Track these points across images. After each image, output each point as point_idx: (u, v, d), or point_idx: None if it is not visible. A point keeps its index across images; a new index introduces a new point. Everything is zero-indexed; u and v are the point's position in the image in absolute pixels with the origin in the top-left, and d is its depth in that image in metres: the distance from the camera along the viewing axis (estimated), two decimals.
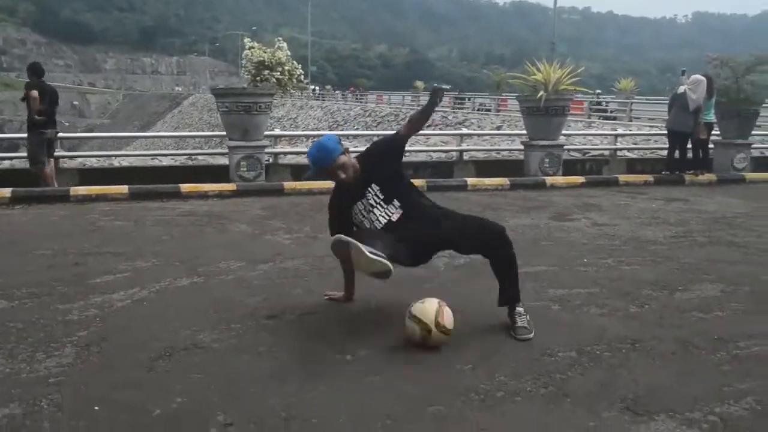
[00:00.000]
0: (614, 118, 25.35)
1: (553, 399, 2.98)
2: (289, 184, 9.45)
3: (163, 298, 4.32)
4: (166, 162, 11.59)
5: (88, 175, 10.01)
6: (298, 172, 10.71)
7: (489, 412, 2.84)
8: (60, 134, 10.07)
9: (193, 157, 12.11)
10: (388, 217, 3.73)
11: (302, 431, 2.66)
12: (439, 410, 2.83)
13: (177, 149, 19.66)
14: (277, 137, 11.27)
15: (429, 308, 3.44)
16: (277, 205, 8.23)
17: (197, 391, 2.98)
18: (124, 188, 8.70)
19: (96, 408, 2.84)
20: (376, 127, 36.39)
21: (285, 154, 11.28)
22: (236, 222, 7.08)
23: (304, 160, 11.77)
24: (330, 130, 34.99)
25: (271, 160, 10.92)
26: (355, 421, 2.73)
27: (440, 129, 28.30)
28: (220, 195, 8.93)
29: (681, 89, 10.80)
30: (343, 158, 3.71)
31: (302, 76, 30.16)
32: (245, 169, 9.82)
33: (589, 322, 3.97)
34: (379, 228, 3.71)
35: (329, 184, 9.06)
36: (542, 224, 7.13)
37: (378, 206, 3.75)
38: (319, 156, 3.73)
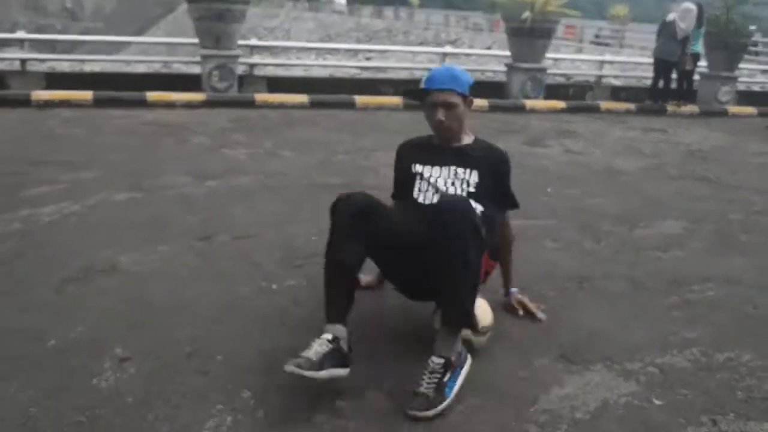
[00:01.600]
0: (606, 45, 24.64)
1: (490, 342, 2.77)
2: (260, 96, 9.05)
3: (95, 213, 4.06)
4: (140, 69, 11.10)
5: (56, 80, 9.52)
6: (274, 84, 10.26)
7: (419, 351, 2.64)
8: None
9: (168, 64, 11.61)
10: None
11: (203, 368, 2.45)
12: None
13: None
14: (253, 47, 10.74)
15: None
16: (244, 118, 7.88)
17: (102, 320, 2.76)
18: (88, 94, 8.29)
19: None
20: (368, 41, 35.36)
21: (262, 65, 10.77)
22: (197, 134, 6.75)
23: (281, 72, 11.34)
24: (321, 43, 34.05)
25: (247, 72, 10.44)
26: (263, 357, 2.53)
27: (431, 46, 27.52)
28: (189, 105, 8.56)
29: (670, 17, 10.31)
30: (458, 101, 2.71)
31: None
32: (217, 79, 9.36)
33: (540, 256, 3.76)
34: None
35: (302, 98, 8.84)
36: (514, 150, 6.78)
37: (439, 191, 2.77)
38: (441, 77, 2.70)
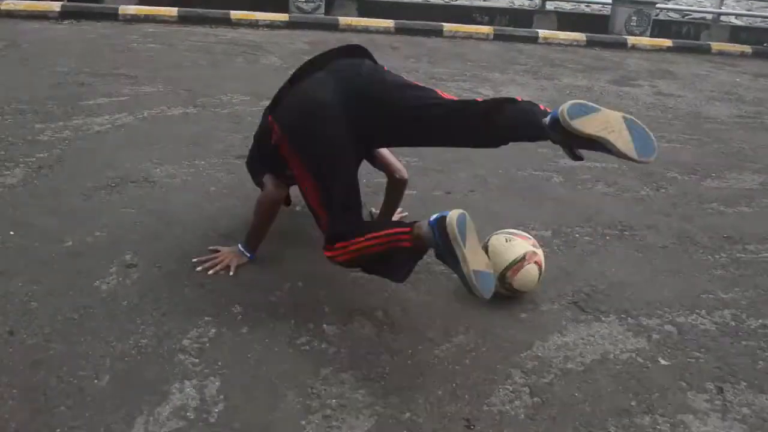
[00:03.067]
0: None
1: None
2: (345, 20, 8.91)
3: (145, 126, 4.14)
4: None
5: None
6: (365, 7, 10.07)
7: (430, 279, 2.56)
8: None
9: None
10: None
11: (201, 281, 2.47)
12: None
13: None
14: None
15: (505, 252, 2.48)
16: (323, 41, 7.78)
17: (120, 228, 2.83)
18: (173, 10, 8.41)
19: (11, 233, 2.72)
20: None
21: None
22: (270, 54, 6.74)
23: None
24: None
25: None
26: (265, 275, 2.52)
27: None
28: (271, 25, 8.54)
29: None
30: None
31: None
32: None
33: (587, 199, 3.54)
34: None
35: (387, 23, 8.63)
36: (597, 87, 6.44)
37: None
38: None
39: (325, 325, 2.28)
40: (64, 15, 8.02)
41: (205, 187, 3.28)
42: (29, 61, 5.63)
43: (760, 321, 2.55)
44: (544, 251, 2.75)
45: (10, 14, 7.89)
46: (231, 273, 2.53)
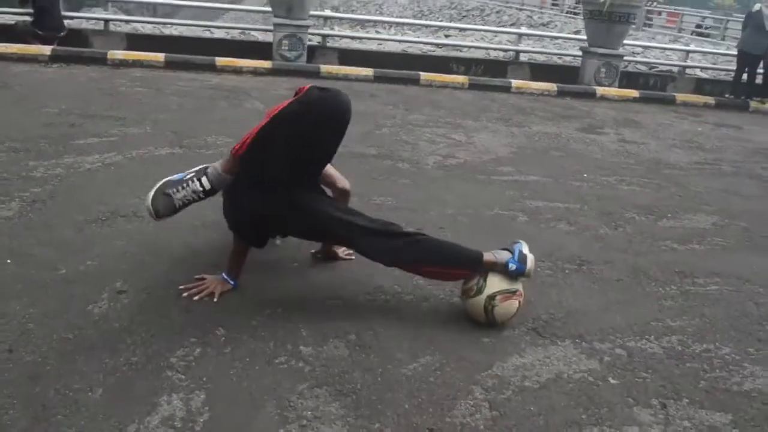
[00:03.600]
0: (707, 36, 23.51)
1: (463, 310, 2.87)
2: (326, 68, 9.24)
3: (133, 165, 4.35)
4: (218, 34, 11.51)
5: (135, 41, 10.02)
6: (346, 56, 10.47)
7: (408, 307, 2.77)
8: None
9: (246, 31, 11.96)
10: None
11: (189, 306, 2.65)
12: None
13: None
14: (326, 18, 10.94)
15: (506, 279, 2.75)
16: None
17: (111, 258, 3.01)
18: (160, 56, 8.70)
19: (8, 261, 2.89)
20: (459, 20, 35.02)
21: (334, 36, 10.95)
22: (253, 99, 7.01)
23: (355, 44, 11.50)
24: (414, 19, 34.00)
25: (320, 43, 10.66)
26: (249, 301, 2.71)
27: (524, 27, 27.02)
28: (255, 72, 8.84)
29: (757, 7, 9.84)
30: None
31: None
32: (287, 48, 9.64)
33: (549, 237, 3.79)
34: None
35: (367, 72, 8.97)
36: (565, 134, 6.77)
37: None
38: None
39: (301, 346, 2.47)
40: (54, 59, 8.28)
41: (191, 222, 3.47)
42: (21, 102, 5.84)
43: (704, 346, 2.77)
44: None
45: (1, 57, 8.12)
46: (215, 299, 2.72)
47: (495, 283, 2.70)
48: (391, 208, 3.97)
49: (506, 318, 2.74)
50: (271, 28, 9.98)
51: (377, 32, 13.71)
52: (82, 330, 2.44)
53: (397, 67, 9.79)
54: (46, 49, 8.36)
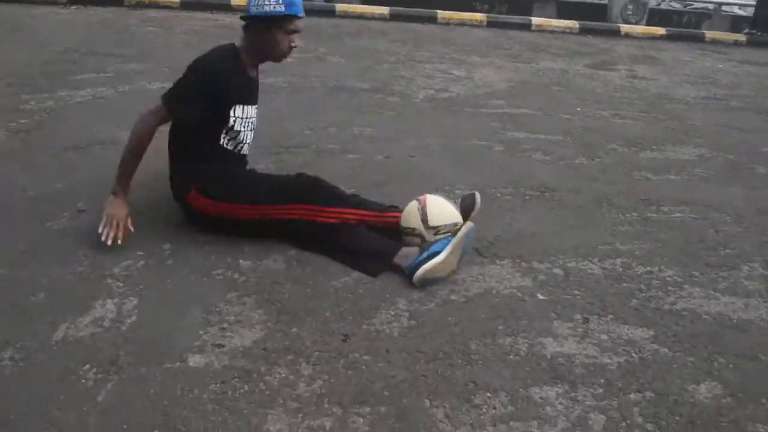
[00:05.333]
0: None
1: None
2: (342, 6, 9.19)
3: (124, 98, 4.48)
4: None
5: None
6: None
7: None
8: None
9: None
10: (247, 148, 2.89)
11: (141, 223, 2.78)
12: None
13: None
14: None
15: (409, 211, 2.74)
16: (317, 26, 8.07)
17: (79, 183, 3.15)
18: None
19: None
20: None
21: None
22: None
23: None
24: None
25: None
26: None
27: None
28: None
29: None
30: None
31: None
32: None
33: (520, 166, 3.80)
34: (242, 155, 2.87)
35: (382, 10, 8.88)
36: (573, 70, 6.65)
37: (252, 130, 2.87)
38: (300, 2, 2.68)
39: (241, 260, 2.59)
40: (73, 1, 8.42)
41: (163, 147, 3.58)
42: (30, 41, 6.01)
43: (647, 268, 2.80)
44: None
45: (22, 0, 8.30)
46: (132, 229, 2.63)
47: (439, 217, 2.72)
48: (367, 138, 4.03)
49: (440, 218, 2.68)
50: None
51: None
52: (38, 244, 2.60)
53: (420, 6, 9.64)
54: None
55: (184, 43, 6.38)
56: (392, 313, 2.34)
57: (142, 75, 5.03)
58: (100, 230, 2.58)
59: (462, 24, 9.07)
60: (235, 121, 2.70)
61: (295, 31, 2.70)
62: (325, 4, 9.38)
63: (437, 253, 2.51)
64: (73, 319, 2.17)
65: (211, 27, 7.45)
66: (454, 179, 3.48)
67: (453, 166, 3.68)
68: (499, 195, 3.36)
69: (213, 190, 2.68)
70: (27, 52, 5.55)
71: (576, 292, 2.57)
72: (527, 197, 3.39)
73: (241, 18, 2.72)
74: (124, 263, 2.51)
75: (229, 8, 8.75)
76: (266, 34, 2.67)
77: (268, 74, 5.29)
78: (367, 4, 9.64)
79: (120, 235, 2.58)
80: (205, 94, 2.60)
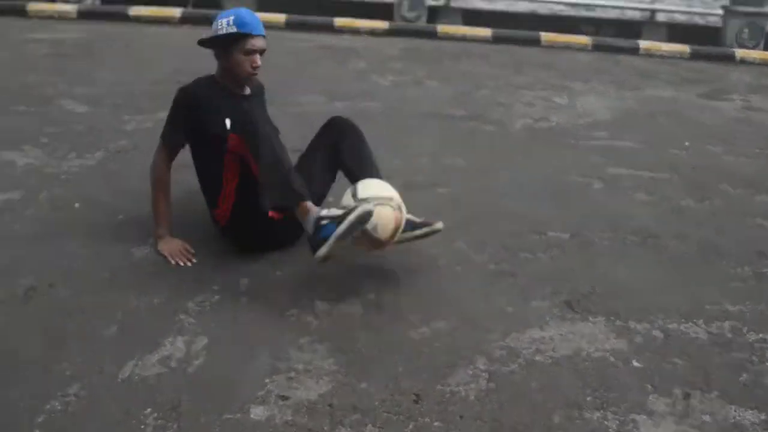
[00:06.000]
0: None
1: (499, 276, 2.78)
2: (443, 28, 9.08)
3: None
4: None
5: (265, 4, 10.26)
6: (470, 17, 10.24)
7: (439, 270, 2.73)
8: None
9: None
10: None
11: (222, 256, 2.74)
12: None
13: None
14: None
15: (373, 183, 2.59)
16: (417, 48, 8.01)
17: None
18: (281, 17, 8.91)
19: (77, 205, 3.14)
20: None
21: None
22: (360, 59, 7.04)
23: (480, 4, 11.19)
24: None
25: (443, 3, 10.47)
26: (283, 259, 2.76)
27: None
28: (372, 32, 8.84)
29: None
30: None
31: None
32: (407, 8, 9.59)
33: (621, 207, 3.55)
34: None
35: (485, 32, 8.71)
36: (682, 100, 6.26)
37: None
38: (257, 22, 2.71)
39: (317, 301, 2.50)
40: (184, 20, 8.72)
41: None
42: (139, 61, 6.23)
43: (760, 335, 2.51)
44: (551, 251, 2.87)
45: (137, 19, 8.68)
46: (189, 264, 2.69)
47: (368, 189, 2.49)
48: (458, 170, 3.88)
49: (386, 231, 2.44)
50: None
51: None
52: (120, 271, 2.61)
53: (525, 29, 9.40)
54: (176, 12, 8.82)
55: (282, 65, 6.44)
56: (470, 372, 2.17)
57: None
58: (173, 263, 2.63)
59: (566, 47, 8.76)
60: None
61: (253, 51, 2.68)
62: (427, 25, 9.31)
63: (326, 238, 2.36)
64: (141, 356, 2.13)
65: (309, 48, 7.51)
66: (548, 220, 3.28)
67: (547, 204, 3.48)
68: (596, 240, 3.13)
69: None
70: (135, 72, 5.75)
71: (677, 360, 2.32)
72: (627, 243, 3.14)
73: (199, 43, 2.77)
74: (199, 297, 2.47)
75: (331, 29, 8.81)
76: (226, 57, 2.71)
77: (363, 99, 5.26)
78: (470, 26, 9.50)
79: (190, 258, 2.69)
80: (189, 118, 2.68)
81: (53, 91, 4.99)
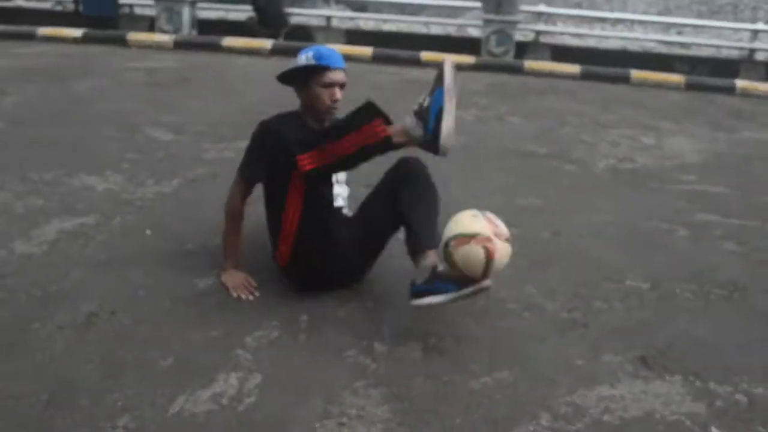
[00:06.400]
0: None
1: (570, 326, 2.63)
2: (530, 64, 8.97)
3: None
4: (434, 30, 11.60)
5: (354, 37, 10.42)
6: (559, 53, 10.10)
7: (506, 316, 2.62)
8: None
9: (462, 27, 11.90)
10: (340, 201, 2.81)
11: (283, 293, 2.72)
12: None
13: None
14: (540, 14, 10.57)
15: (463, 223, 2.37)
16: (502, 83, 7.93)
17: None
18: (368, 51, 9.04)
19: (148, 232, 3.20)
20: (709, 17, 32.03)
21: (547, 32, 10.52)
22: None
23: (570, 40, 11.04)
24: (659, 15, 31.77)
25: (533, 39, 10.38)
26: (347, 297, 2.72)
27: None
28: (459, 66, 8.75)
29: None
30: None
31: None
32: (494, 43, 9.56)
33: (707, 257, 3.33)
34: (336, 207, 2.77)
35: (573, 69, 8.52)
36: None
37: (339, 182, 2.82)
38: (337, 55, 2.73)
39: (376, 343, 2.42)
40: (274, 52, 8.95)
41: None
42: (227, 91, 6.42)
43: None
44: (628, 301, 2.70)
45: (230, 50, 9.00)
46: (251, 297, 2.68)
47: (449, 229, 2.36)
48: (533, 210, 3.76)
49: (476, 269, 2.28)
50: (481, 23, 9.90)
51: (602, 29, 12.95)
52: (182, 301, 2.62)
53: (616, 65, 9.15)
54: (267, 43, 9.08)
55: (364, 98, 6.47)
56: (532, 429, 2.04)
57: None
58: (235, 296, 2.61)
59: (658, 85, 8.47)
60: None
61: (332, 84, 2.66)
62: (514, 61, 9.21)
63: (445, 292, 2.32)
64: (193, 390, 2.11)
65: (397, 81, 7.54)
66: (626, 267, 3.11)
67: (627, 250, 3.30)
68: (677, 291, 2.94)
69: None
70: (221, 101, 5.91)
71: (761, 429, 2.11)
72: (711, 297, 2.93)
73: (277, 78, 2.78)
74: (258, 332, 2.44)
75: (418, 63, 8.82)
76: (305, 91, 2.71)
77: None
78: (558, 62, 9.32)
79: (252, 292, 2.66)
80: (267, 152, 2.65)
81: (142, 118, 5.17)
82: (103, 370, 2.18)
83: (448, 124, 2.35)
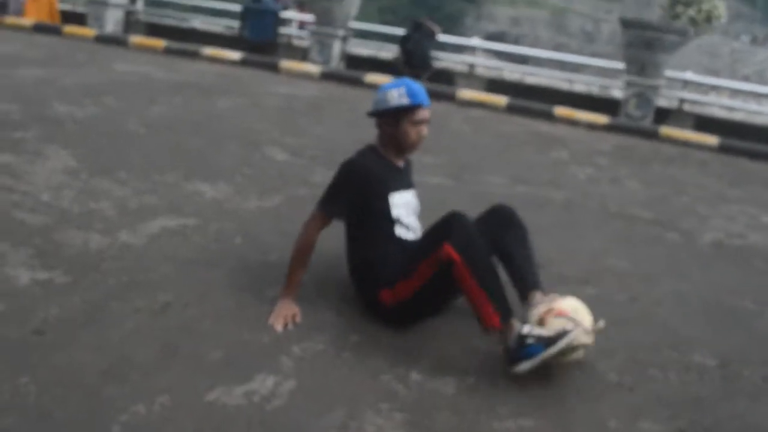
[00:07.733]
0: None
1: (614, 388, 2.57)
2: (665, 130, 8.67)
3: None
4: (574, 87, 11.52)
5: (494, 85, 10.50)
6: (703, 123, 9.70)
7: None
8: None
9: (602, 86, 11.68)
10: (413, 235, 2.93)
11: (340, 311, 2.86)
12: None
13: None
14: (686, 82, 10.21)
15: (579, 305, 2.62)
16: (631, 147, 7.75)
17: (317, 254, 3.33)
18: (502, 100, 9.12)
19: (237, 240, 3.45)
20: None
21: (688, 101, 10.11)
22: (563, 148, 6.97)
23: (716, 111, 10.57)
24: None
25: (676, 106, 10.05)
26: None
27: None
28: (591, 126, 8.71)
29: None
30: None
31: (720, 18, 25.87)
32: (633, 106, 9.36)
33: None
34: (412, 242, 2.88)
35: (711, 140, 8.16)
36: None
37: (413, 215, 3.00)
38: (423, 92, 2.85)
39: (414, 372, 2.50)
40: None
41: None
42: (354, 122, 6.68)
43: None
44: (692, 378, 2.63)
45: (372, 86, 9.36)
46: (290, 325, 2.70)
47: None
48: (617, 272, 3.67)
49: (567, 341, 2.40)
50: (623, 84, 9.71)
51: (758, 104, 12.23)
52: (247, 306, 2.82)
53: (761, 142, 8.67)
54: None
55: (484, 146, 6.59)
56: None
57: (428, 168, 5.17)
58: (270, 322, 2.69)
59: None
60: (394, 208, 2.83)
61: (421, 121, 2.80)
62: (649, 125, 8.95)
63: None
64: (231, 385, 2.29)
65: (521, 132, 7.59)
66: (696, 341, 2.98)
67: (704, 324, 3.16)
68: (745, 374, 2.78)
69: (387, 277, 2.71)
70: (344, 130, 6.28)
71: None
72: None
73: (368, 115, 2.91)
74: (306, 344, 2.59)
75: (550, 116, 8.78)
76: (395, 127, 2.83)
77: (548, 187, 5.19)
78: (701, 132, 8.93)
79: (286, 327, 2.68)
80: (350, 190, 2.79)
81: (265, 138, 5.56)
82: (159, 353, 2.41)
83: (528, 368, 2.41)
